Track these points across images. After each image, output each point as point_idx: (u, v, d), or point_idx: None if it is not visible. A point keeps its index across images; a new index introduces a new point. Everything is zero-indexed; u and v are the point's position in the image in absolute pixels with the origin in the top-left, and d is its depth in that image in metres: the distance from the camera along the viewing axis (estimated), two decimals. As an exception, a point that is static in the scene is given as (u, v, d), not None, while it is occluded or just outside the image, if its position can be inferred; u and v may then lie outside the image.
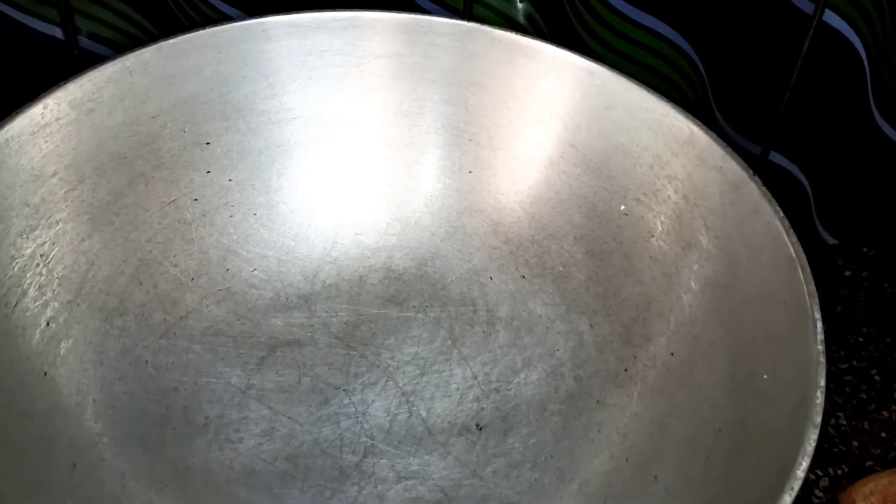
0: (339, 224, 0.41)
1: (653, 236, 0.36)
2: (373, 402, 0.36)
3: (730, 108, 0.44)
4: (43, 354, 0.32)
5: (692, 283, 0.34)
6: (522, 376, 0.37)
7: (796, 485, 0.24)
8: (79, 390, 0.32)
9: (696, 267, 0.34)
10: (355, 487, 0.33)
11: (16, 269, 0.32)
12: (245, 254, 0.39)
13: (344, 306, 0.39)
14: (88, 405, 0.32)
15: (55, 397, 0.31)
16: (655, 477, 0.30)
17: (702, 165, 0.35)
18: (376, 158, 0.41)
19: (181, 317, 0.37)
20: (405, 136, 0.41)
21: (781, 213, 0.31)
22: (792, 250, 0.30)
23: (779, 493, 0.24)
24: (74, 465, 0.30)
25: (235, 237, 0.39)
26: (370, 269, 0.40)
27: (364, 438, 0.35)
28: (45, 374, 0.31)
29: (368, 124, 0.41)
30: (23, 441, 0.29)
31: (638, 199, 0.37)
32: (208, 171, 0.38)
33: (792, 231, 0.31)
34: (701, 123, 0.35)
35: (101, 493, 0.30)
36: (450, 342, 0.38)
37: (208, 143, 0.38)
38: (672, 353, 0.34)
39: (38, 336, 0.32)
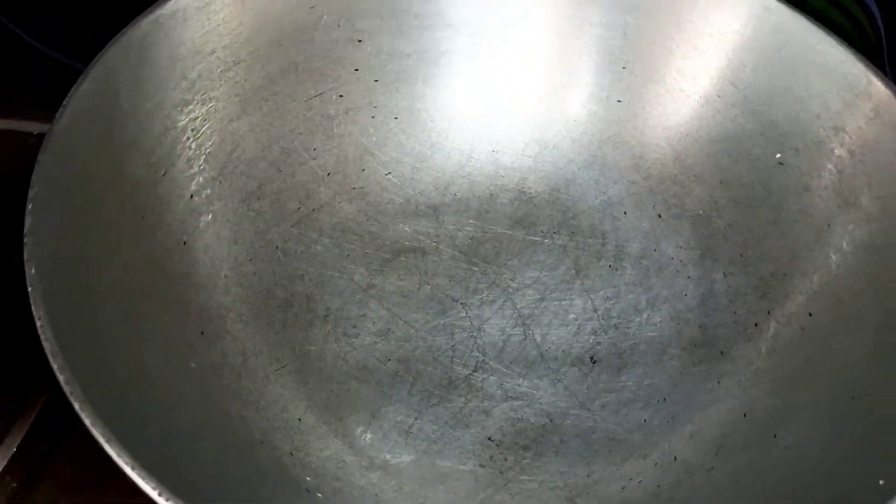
0: (476, 139, 0.40)
1: (808, 190, 0.34)
2: (489, 319, 0.36)
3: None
4: (185, 224, 0.33)
5: (844, 244, 0.32)
6: (645, 316, 0.36)
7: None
8: (213, 264, 0.33)
9: (851, 227, 0.32)
10: (462, 399, 0.34)
11: (168, 139, 0.33)
12: (381, 156, 0.39)
13: (471, 221, 0.39)
14: (220, 279, 0.33)
15: (191, 266, 0.32)
16: (775, 436, 0.29)
17: (876, 119, 0.32)
18: (523, 76, 0.40)
19: (314, 209, 0.37)
20: (556, 56, 0.39)
21: (961, 180, 0.29)
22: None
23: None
24: (202, 332, 0.31)
25: (374, 138, 0.39)
26: (502, 188, 0.40)
27: (476, 353, 0.35)
28: (185, 243, 0.33)
29: (519, 41, 0.40)
30: (161, 301, 0.30)
31: (797, 149, 0.35)
32: (356, 69, 0.38)
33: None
34: (882, 74, 0.32)
35: (223, 362, 0.31)
36: (574, 272, 0.37)
37: (360, 41, 0.38)
38: (810, 314, 0.32)
39: (181, 206, 0.33)
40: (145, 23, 0.32)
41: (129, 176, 0.31)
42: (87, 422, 0.21)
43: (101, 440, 0.21)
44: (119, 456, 0.20)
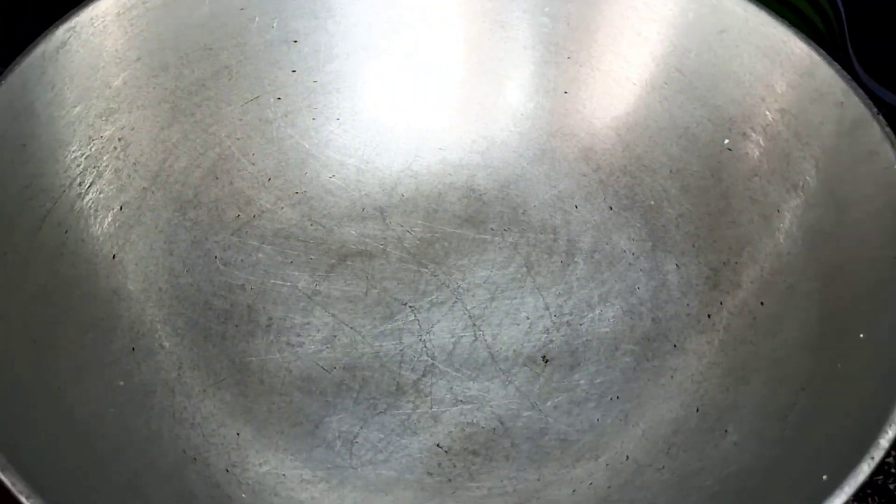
0: (422, 137, 0.39)
1: (756, 175, 0.33)
2: (438, 321, 0.35)
3: (868, 52, 0.40)
4: (114, 237, 0.32)
5: (793, 229, 0.31)
6: (597, 312, 0.35)
7: (877, 454, 0.21)
8: (146, 277, 0.32)
9: (799, 211, 0.31)
10: (410, 405, 0.33)
11: (93, 149, 0.32)
12: (324, 159, 0.38)
13: (419, 222, 0.38)
14: (154, 292, 0.32)
15: (122, 281, 0.31)
16: (726, 431, 0.28)
17: (820, 100, 0.31)
18: (467, 71, 0.39)
19: (254, 216, 0.36)
20: (500, 49, 0.38)
21: (905, 158, 0.28)
22: (912, 200, 0.27)
23: (857, 460, 0.21)
24: (133, 349, 0.30)
25: (316, 141, 0.38)
26: (450, 186, 0.39)
27: (425, 357, 0.34)
28: (115, 257, 0.32)
29: (461, 35, 0.39)
30: (85, 319, 0.29)
31: (744, 134, 0.34)
32: (294, 71, 0.37)
33: (915, 178, 0.27)
34: (824, 53, 0.31)
35: (156, 378, 0.30)
36: (525, 269, 0.36)
37: (296, 41, 0.37)
38: (762, 303, 0.31)
39: (110, 218, 0.32)
40: (61, 31, 0.31)
41: (48, 190, 0.30)
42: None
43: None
44: (13, 485, 0.19)
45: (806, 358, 0.28)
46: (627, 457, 0.30)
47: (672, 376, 0.32)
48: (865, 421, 0.23)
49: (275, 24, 0.37)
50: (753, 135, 0.34)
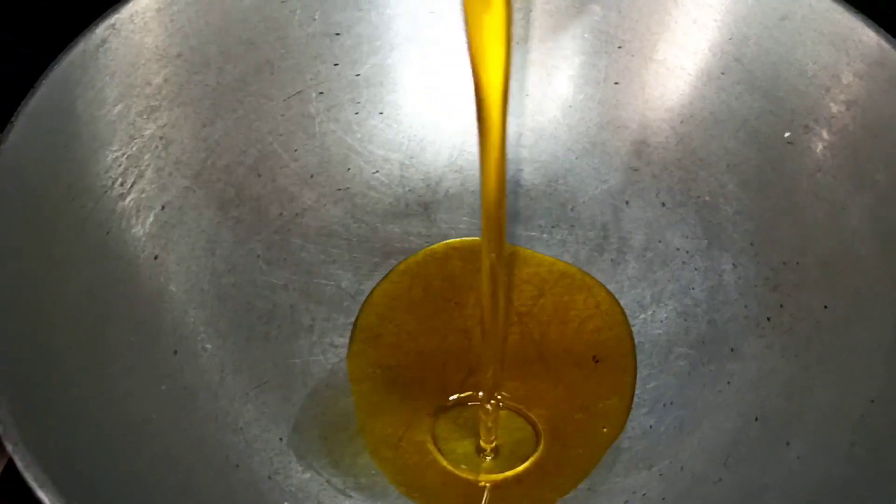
0: (467, 130, 0.38)
1: (820, 170, 0.31)
2: (485, 321, 0.34)
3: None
4: (156, 238, 0.31)
5: (862, 228, 0.30)
6: (650, 312, 0.33)
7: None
8: (188, 278, 0.32)
9: (869, 210, 0.30)
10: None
11: (135, 148, 0.31)
12: (367, 154, 0.37)
13: (465, 218, 0.37)
14: (196, 293, 0.32)
15: (164, 282, 0.31)
16: (788, 443, 0.27)
17: (892, 91, 0.29)
18: (514, 62, 0.38)
19: (297, 213, 0.35)
20: (548, 38, 0.37)
21: None
22: None
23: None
24: (176, 351, 0.30)
25: (359, 136, 0.37)
26: (497, 181, 0.37)
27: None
28: (156, 257, 0.31)
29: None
30: (130, 321, 0.29)
31: (807, 126, 0.32)
32: (336, 64, 0.36)
33: None
34: (896, 41, 0.30)
35: (198, 381, 0.30)
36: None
37: (338, 34, 0.36)
38: (826, 307, 0.29)
39: (152, 219, 0.32)
40: (101, 29, 0.30)
41: (90, 191, 0.29)
42: (20, 466, 0.19)
43: (34, 486, 0.19)
44: None
45: (875, 367, 0.26)
46: (682, 467, 0.29)
47: (729, 382, 0.30)
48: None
49: (317, 17, 0.36)
50: (817, 128, 0.32)
